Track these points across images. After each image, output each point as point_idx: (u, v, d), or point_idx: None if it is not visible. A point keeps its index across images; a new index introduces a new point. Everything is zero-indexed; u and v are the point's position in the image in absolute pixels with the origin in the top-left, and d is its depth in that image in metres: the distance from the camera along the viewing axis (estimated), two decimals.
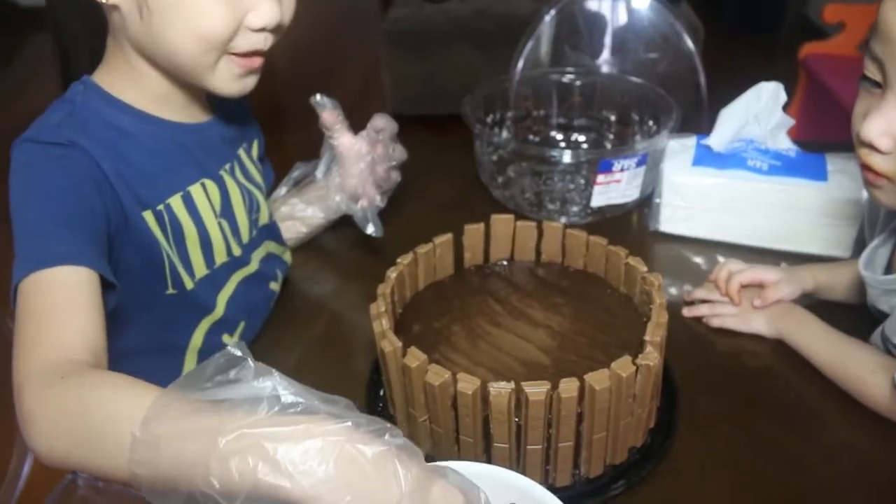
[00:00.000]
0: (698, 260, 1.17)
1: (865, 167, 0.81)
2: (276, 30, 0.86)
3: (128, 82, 0.87)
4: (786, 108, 1.18)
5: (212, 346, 0.95)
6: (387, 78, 3.37)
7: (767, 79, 1.18)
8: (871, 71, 0.78)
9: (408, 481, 0.50)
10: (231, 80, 0.86)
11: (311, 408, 0.52)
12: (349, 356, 1.01)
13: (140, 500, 0.82)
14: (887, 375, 0.85)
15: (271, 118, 1.21)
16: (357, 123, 1.11)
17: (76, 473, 1.50)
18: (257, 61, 0.87)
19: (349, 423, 0.51)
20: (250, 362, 0.54)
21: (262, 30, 0.84)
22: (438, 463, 0.56)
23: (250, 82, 0.89)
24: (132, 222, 0.83)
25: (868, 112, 0.78)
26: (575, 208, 1.24)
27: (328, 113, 1.05)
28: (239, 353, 0.54)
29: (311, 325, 1.07)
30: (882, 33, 0.75)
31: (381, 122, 1.07)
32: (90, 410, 0.60)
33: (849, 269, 1.01)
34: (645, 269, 0.87)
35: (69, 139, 0.79)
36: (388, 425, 0.52)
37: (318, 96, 1.05)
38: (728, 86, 1.33)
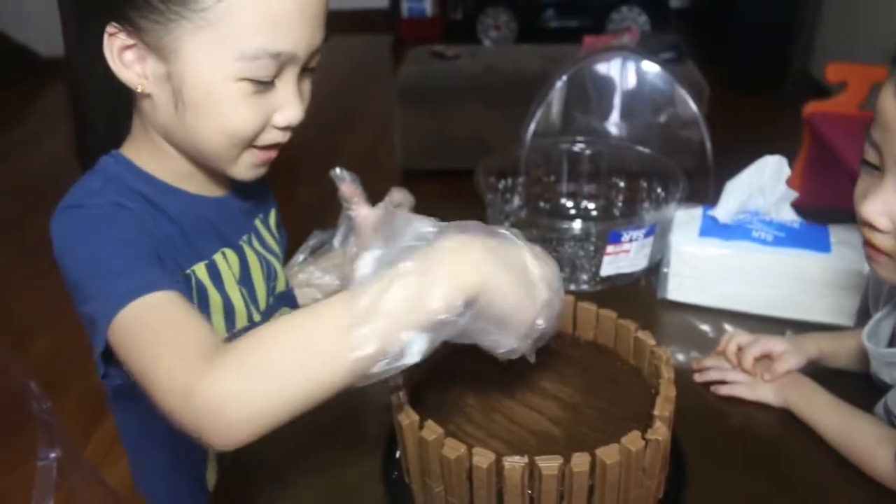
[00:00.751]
0: (705, 328, 1.20)
1: (867, 244, 0.85)
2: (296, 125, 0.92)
3: (153, 160, 0.92)
4: (791, 167, 1.22)
5: None
6: (397, 133, 3.43)
7: (773, 137, 1.22)
8: (871, 155, 0.82)
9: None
10: (249, 168, 0.92)
11: (448, 227, 0.72)
12: (364, 420, 1.03)
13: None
14: (891, 448, 0.87)
15: (284, 173, 1.25)
16: (368, 176, 1.15)
17: None
18: (275, 153, 0.93)
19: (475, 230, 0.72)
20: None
21: (287, 128, 0.90)
22: None
23: (263, 170, 0.94)
24: None
25: (868, 193, 0.82)
26: (584, 276, 1.27)
27: (347, 186, 1.09)
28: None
29: None
30: (880, 122, 0.79)
31: (399, 197, 1.11)
32: (279, 346, 0.66)
33: (852, 338, 1.03)
34: (653, 342, 0.90)
35: (116, 201, 0.84)
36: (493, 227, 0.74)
37: (337, 170, 1.09)
38: (734, 142, 1.37)
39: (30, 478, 1.23)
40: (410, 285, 0.65)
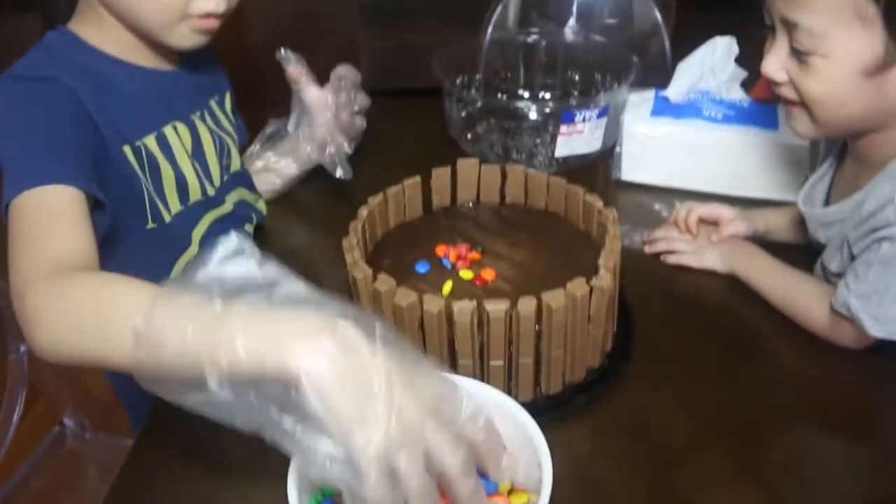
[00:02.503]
0: (658, 206, 1.23)
1: (783, 101, 0.91)
2: None
3: (98, 31, 0.93)
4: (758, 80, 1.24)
5: None
6: (362, 52, 3.39)
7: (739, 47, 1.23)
8: (766, 18, 0.88)
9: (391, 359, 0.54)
10: (188, 37, 0.93)
11: (308, 297, 0.57)
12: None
13: (125, 449, 0.87)
14: (827, 301, 0.91)
15: (249, 97, 1.26)
16: None
17: (63, 425, 1.55)
18: (213, 23, 0.93)
19: (342, 312, 0.55)
20: (255, 251, 0.59)
21: None
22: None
23: (204, 38, 0.95)
24: (113, 155, 0.88)
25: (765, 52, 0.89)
26: (540, 159, 1.29)
27: (293, 67, 1.10)
28: (245, 241, 0.59)
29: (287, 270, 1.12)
30: None
31: (343, 70, 1.12)
32: (98, 302, 0.63)
33: (795, 209, 1.07)
34: (601, 204, 0.92)
35: (51, 74, 0.84)
36: (373, 316, 0.56)
37: (282, 50, 1.09)
38: None
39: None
40: (212, 321, 0.54)
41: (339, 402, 0.51)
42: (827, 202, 0.98)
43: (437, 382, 0.56)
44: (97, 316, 0.62)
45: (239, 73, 1.13)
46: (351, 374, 0.52)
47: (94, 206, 0.79)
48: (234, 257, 0.57)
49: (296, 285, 0.58)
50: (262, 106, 1.28)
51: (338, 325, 0.53)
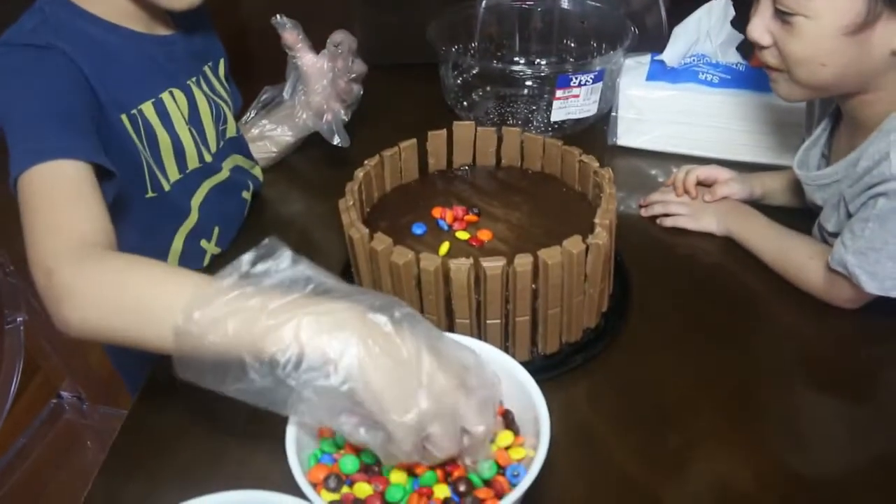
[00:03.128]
0: (654, 171, 1.22)
1: (764, 66, 0.91)
2: None
3: None
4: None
5: (191, 251, 1.00)
6: (358, 28, 3.38)
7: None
8: None
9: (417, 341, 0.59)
10: None
11: (338, 289, 0.61)
12: (320, 263, 1.05)
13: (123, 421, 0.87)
14: (823, 260, 0.91)
15: (245, 73, 1.26)
16: None
17: (61, 397, 1.55)
18: None
19: (369, 301, 0.60)
20: (287, 250, 0.61)
21: None
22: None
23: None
24: (111, 123, 0.87)
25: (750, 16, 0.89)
26: (536, 124, 1.29)
27: (289, 33, 1.09)
28: (278, 243, 0.61)
29: (283, 238, 1.11)
30: None
31: (339, 37, 1.11)
32: (134, 285, 0.65)
33: (792, 173, 1.07)
34: (597, 164, 0.92)
35: (46, 42, 0.83)
36: (396, 300, 0.61)
37: (278, 17, 1.09)
38: None
39: None
40: (252, 315, 0.57)
41: (375, 383, 0.56)
42: (820, 167, 0.98)
43: (460, 354, 0.61)
44: (137, 303, 0.64)
45: (233, 41, 1.12)
46: (384, 357, 0.57)
47: (102, 176, 0.78)
48: (266, 259, 0.60)
49: (328, 280, 0.61)
50: (257, 73, 1.28)
51: (368, 313, 0.58)
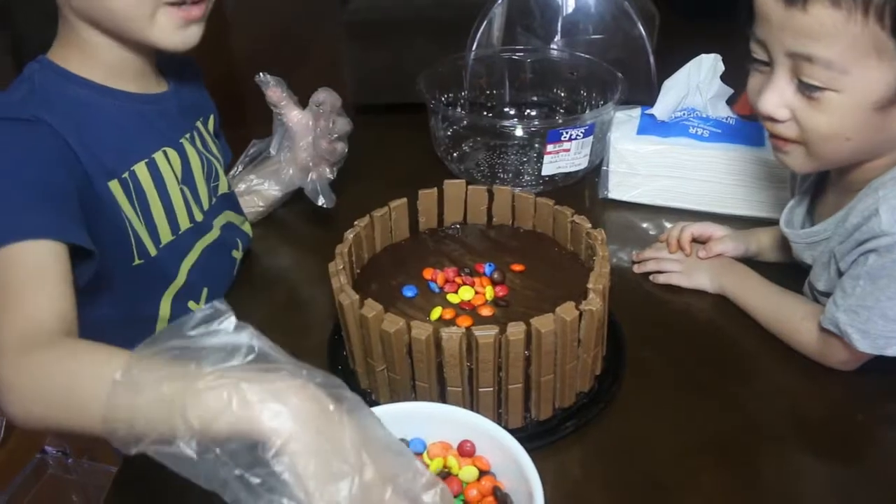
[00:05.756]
0: (646, 225, 1.22)
1: (774, 137, 0.88)
2: None
3: (81, 56, 0.90)
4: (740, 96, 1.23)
5: (180, 315, 0.98)
6: (348, 69, 3.39)
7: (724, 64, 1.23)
8: (758, 52, 0.85)
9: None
10: (172, 31, 0.88)
11: (280, 361, 0.58)
12: (310, 322, 1.04)
13: (108, 476, 0.86)
14: (816, 320, 0.90)
15: (235, 115, 1.26)
16: None
17: (45, 452, 1.53)
18: (194, 10, 0.89)
19: (311, 377, 0.58)
20: (231, 316, 0.59)
21: None
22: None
23: (192, 34, 0.90)
24: (98, 194, 0.86)
25: (762, 89, 0.84)
26: (527, 178, 1.29)
27: (272, 90, 1.09)
28: (223, 307, 0.59)
29: (273, 295, 1.11)
30: (760, 18, 0.82)
31: (322, 96, 1.10)
32: (68, 372, 0.64)
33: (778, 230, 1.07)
34: (589, 225, 0.92)
35: (33, 115, 0.81)
36: (341, 382, 0.59)
37: (261, 75, 1.09)
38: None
39: None
40: (187, 383, 0.56)
41: (305, 462, 0.54)
42: (805, 226, 0.98)
43: (396, 453, 0.59)
44: (68, 392, 0.63)
45: (221, 92, 1.12)
46: (317, 436, 0.55)
47: (79, 253, 0.77)
48: (210, 323, 0.58)
49: (270, 351, 0.59)
50: (245, 123, 1.28)
51: (307, 388, 0.56)
